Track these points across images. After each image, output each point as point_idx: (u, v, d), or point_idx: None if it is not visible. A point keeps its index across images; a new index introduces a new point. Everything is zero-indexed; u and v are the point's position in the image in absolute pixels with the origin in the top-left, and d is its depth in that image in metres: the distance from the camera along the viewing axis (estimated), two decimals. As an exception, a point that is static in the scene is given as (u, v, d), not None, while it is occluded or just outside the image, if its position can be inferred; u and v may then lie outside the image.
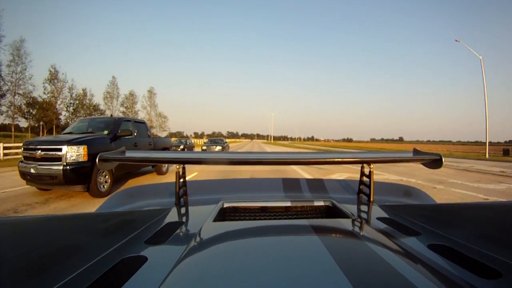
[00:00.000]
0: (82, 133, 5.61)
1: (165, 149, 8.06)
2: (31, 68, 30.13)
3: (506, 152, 20.76)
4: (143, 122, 7.50)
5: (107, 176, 5.19)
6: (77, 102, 35.21)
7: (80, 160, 4.60)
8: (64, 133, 6.11)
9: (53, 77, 31.33)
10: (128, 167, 5.97)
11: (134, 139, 6.42)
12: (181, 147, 18.05)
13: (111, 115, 9.32)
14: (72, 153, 4.56)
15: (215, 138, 21.90)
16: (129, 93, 41.15)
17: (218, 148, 17.24)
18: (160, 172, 7.64)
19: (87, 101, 37.04)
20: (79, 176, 4.56)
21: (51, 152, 4.61)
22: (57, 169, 4.47)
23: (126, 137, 5.85)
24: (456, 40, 14.93)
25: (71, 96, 33.53)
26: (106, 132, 5.67)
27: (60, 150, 4.57)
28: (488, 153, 18.46)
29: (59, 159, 4.53)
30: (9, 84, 25.80)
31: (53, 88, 31.33)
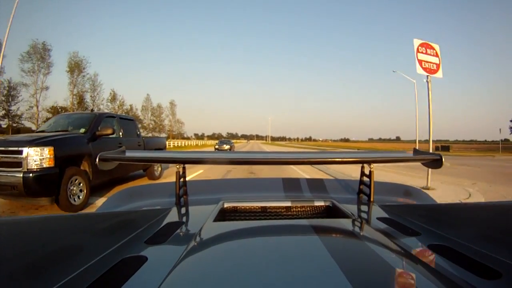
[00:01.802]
0: (55, 132, 4.72)
1: (159, 149, 7.33)
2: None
3: (446, 148, 26.27)
4: (131, 119, 6.64)
5: (81, 185, 4.19)
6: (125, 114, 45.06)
7: (45, 166, 3.70)
8: (37, 131, 5.31)
9: (113, 98, 42.41)
10: (112, 172, 5.11)
11: (119, 139, 5.57)
12: (227, 147, 25.03)
13: (92, 110, 8.03)
14: (35, 156, 3.67)
15: (224, 140, 32.61)
16: (157, 105, 56.59)
17: (227, 146, 25.08)
18: (152, 177, 6.87)
19: (132, 113, 47.68)
20: (44, 186, 3.70)
21: (9, 156, 3.73)
22: (17, 176, 3.59)
23: (108, 136, 4.95)
24: (393, 71, 16.84)
25: (122, 110, 44.07)
26: (82, 130, 4.78)
27: (20, 152, 3.66)
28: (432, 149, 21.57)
29: (18, 164, 3.67)
30: (91, 105, 36.14)
31: (113, 106, 41.98)
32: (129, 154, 0.74)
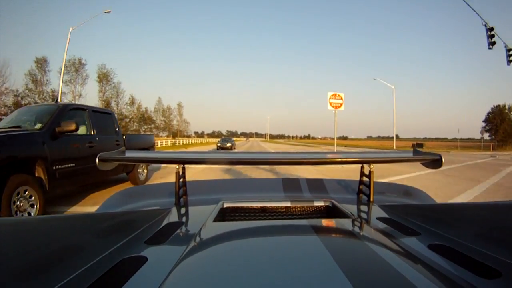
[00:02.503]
0: (3, 128, 3.72)
1: (144, 149, 6.15)
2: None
3: (420, 145, 26.89)
4: (108, 113, 5.45)
5: (33, 198, 3.15)
6: (141, 116, 51.74)
7: (-30, 174, 2.84)
8: None
9: (132, 102, 48.24)
10: (82, 178, 4.23)
11: (89, 137, 4.50)
12: (229, 144, 25.88)
13: (56, 101, 6.82)
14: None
15: (225, 138, 33.97)
16: (166, 107, 63.33)
17: (229, 144, 26.00)
18: (136, 181, 5.75)
19: (146, 115, 53.91)
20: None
21: None
22: None
23: (73, 133, 3.93)
24: (374, 79, 19.66)
25: (139, 112, 50.45)
26: (39, 126, 3.75)
27: None
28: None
29: None
30: (115, 110, 40.81)
31: (132, 109, 48.33)
32: (128, 154, 0.74)
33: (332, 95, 11.84)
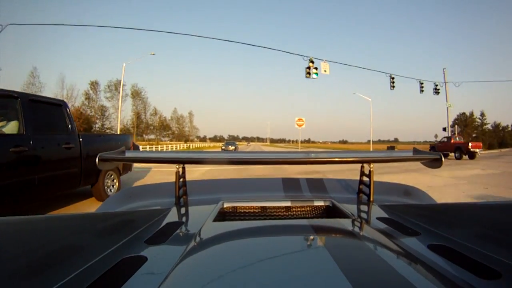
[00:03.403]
0: None
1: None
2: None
3: (392, 148, 29.76)
4: (57, 104, 3.93)
5: None
6: (161, 124, 61.03)
7: None
8: None
9: (155, 113, 57.46)
10: (10, 198, 2.93)
11: (14, 138, 3.06)
12: (232, 147, 28.58)
13: None
14: None
15: (229, 142, 37.99)
16: (180, 115, 71.56)
17: (232, 147, 28.76)
18: (102, 196, 4.29)
19: (165, 123, 63.05)
20: None
21: None
22: None
23: None
24: (353, 93, 25.66)
25: (160, 120, 61.06)
26: None
27: None
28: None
29: None
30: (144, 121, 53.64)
31: (155, 119, 58.65)
32: (128, 154, 0.74)
33: (298, 119, 22.04)
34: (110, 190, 4.58)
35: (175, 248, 0.44)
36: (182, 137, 70.07)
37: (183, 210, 0.69)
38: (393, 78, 17.12)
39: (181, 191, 0.75)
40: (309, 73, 13.61)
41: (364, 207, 0.73)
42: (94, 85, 45.16)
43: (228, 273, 0.34)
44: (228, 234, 0.47)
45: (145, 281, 0.35)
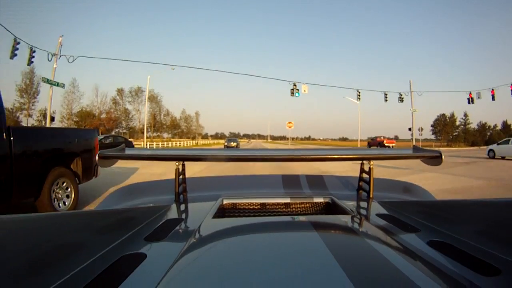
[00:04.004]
0: None
1: (65, 156, 3.72)
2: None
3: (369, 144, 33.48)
4: None
5: None
6: (172, 123, 69.39)
7: None
8: None
9: (167, 113, 66.18)
10: None
11: None
12: (234, 144, 31.42)
13: None
14: None
15: (231, 138, 43.46)
16: (188, 115, 78.92)
17: (234, 144, 31.50)
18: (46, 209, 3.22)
19: (175, 123, 71.10)
20: None
21: None
22: None
23: None
24: (343, 97, 31.06)
25: (171, 120, 68.49)
26: None
27: None
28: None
29: None
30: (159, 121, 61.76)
31: (168, 119, 67.12)
32: (128, 152, 0.74)
33: (288, 122, 30.68)
34: (64, 203, 3.50)
35: (175, 245, 0.44)
36: (190, 134, 76.84)
37: (182, 207, 0.69)
38: (359, 93, 23.18)
39: (181, 188, 0.75)
40: (292, 93, 19.86)
41: (363, 204, 0.73)
42: (120, 92, 54.28)
43: (228, 270, 0.34)
44: (227, 230, 0.48)
45: (145, 278, 0.35)
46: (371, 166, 0.75)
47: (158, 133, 62.90)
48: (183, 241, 0.44)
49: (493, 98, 19.70)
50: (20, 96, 37.45)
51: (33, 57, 13.52)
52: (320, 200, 0.71)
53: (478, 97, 20.63)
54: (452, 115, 59.28)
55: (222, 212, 0.66)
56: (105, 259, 0.39)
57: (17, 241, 0.37)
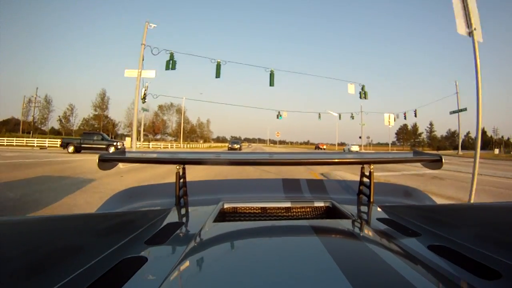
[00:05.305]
0: None
1: None
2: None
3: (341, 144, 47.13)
4: None
5: None
6: (191, 129, 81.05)
7: None
8: None
9: (188, 122, 79.33)
10: None
11: None
12: (237, 146, 35.03)
13: None
14: None
15: (234, 140, 48.10)
16: (200, 121, 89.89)
17: (237, 146, 35.16)
18: None
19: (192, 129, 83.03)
20: None
21: None
22: None
23: None
24: (325, 111, 42.53)
25: (191, 127, 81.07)
26: None
27: None
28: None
29: None
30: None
31: (189, 126, 78.11)
32: (129, 154, 0.74)
33: (276, 133, 50.30)
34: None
35: (175, 249, 0.44)
36: (202, 139, 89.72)
37: (183, 210, 0.69)
38: (320, 115, 33.18)
39: (181, 192, 0.75)
40: (277, 117, 28.28)
41: (364, 208, 0.73)
42: (161, 107, 70.15)
43: (228, 274, 0.34)
44: (228, 234, 0.47)
45: (145, 282, 0.35)
46: (371, 170, 0.75)
47: (175, 138, 71.83)
48: (184, 245, 0.44)
49: (411, 116, 29.24)
50: (94, 110, 57.08)
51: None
52: (321, 204, 0.71)
53: (404, 117, 28.79)
54: (414, 125, 74.87)
55: (223, 216, 0.66)
56: (106, 262, 0.39)
57: (17, 243, 0.37)
